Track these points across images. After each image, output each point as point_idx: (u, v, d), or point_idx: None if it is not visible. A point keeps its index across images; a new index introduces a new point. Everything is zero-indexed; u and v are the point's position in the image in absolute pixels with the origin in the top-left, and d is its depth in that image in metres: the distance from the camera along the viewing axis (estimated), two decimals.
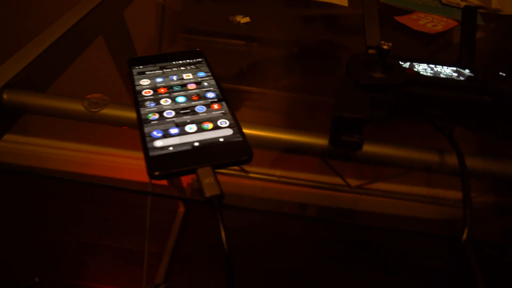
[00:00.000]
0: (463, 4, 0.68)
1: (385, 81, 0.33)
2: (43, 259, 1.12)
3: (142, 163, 0.30)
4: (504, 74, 0.35)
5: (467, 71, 0.37)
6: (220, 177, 0.29)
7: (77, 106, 0.37)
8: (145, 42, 0.65)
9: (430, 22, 0.60)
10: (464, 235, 0.28)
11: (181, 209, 1.27)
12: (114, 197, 1.20)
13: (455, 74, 0.36)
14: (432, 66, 0.37)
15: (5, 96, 0.38)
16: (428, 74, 0.36)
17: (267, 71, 0.62)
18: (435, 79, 0.35)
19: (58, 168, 0.42)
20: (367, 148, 0.33)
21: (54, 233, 1.18)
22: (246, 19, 0.55)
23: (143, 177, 0.30)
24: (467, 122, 0.37)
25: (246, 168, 0.54)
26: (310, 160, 0.44)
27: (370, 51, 0.40)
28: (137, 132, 0.32)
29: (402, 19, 0.60)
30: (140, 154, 0.31)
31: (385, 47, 0.33)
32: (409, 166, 0.35)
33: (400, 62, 0.37)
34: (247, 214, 1.16)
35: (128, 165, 0.41)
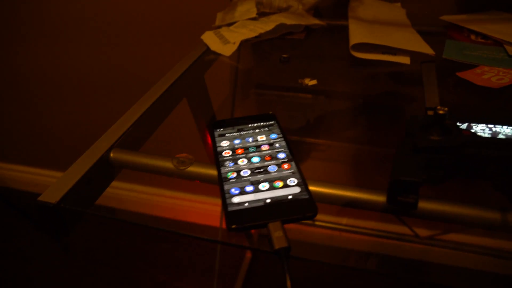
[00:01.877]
0: None
1: (441, 143, 0.36)
2: None
3: (215, 209, 0.35)
4: None
5: None
6: (289, 225, 0.33)
7: (167, 164, 0.44)
8: (220, 98, 0.72)
9: (495, 76, 0.61)
10: None
11: (248, 255, 1.31)
12: (187, 239, 1.27)
13: None
14: (491, 126, 0.39)
15: (111, 155, 0.46)
16: (486, 134, 0.38)
17: (333, 123, 0.67)
18: (492, 139, 0.37)
19: (138, 211, 0.49)
20: (424, 205, 0.36)
21: (130, 272, 1.27)
22: (313, 82, 0.61)
23: (215, 222, 0.35)
24: None
25: None
26: None
27: (429, 112, 0.43)
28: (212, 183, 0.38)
29: (465, 75, 0.61)
30: (213, 201, 0.36)
31: (441, 112, 0.36)
32: (468, 223, 0.36)
33: (458, 123, 0.39)
34: (314, 264, 1.17)
35: (204, 210, 0.47)
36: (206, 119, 0.69)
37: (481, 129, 0.39)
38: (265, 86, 0.80)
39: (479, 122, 0.40)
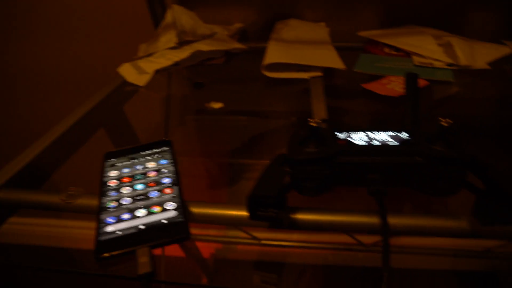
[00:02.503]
0: (436, 64, 0.70)
1: (315, 155, 0.36)
2: None
3: None
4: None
5: (404, 135, 0.39)
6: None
7: (55, 199, 0.42)
8: (153, 128, 0.71)
9: (398, 85, 0.63)
10: None
11: (204, 280, 1.28)
12: None
13: (391, 139, 0.39)
14: (369, 133, 0.40)
15: (0, 194, 0.44)
16: (362, 142, 0.38)
17: (268, 143, 0.67)
18: (366, 146, 0.37)
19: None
20: (300, 215, 0.36)
21: None
22: (219, 105, 0.61)
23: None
24: (405, 182, 0.38)
25: (258, 235, 0.57)
26: None
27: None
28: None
29: (369, 86, 0.63)
30: None
31: (313, 124, 0.37)
32: (340, 230, 0.37)
33: (336, 133, 0.40)
34: None
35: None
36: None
37: (359, 137, 0.39)
38: (200, 111, 0.79)
39: (358, 131, 0.41)
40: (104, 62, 0.84)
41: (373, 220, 0.36)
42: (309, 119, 0.37)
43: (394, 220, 0.36)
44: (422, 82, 0.64)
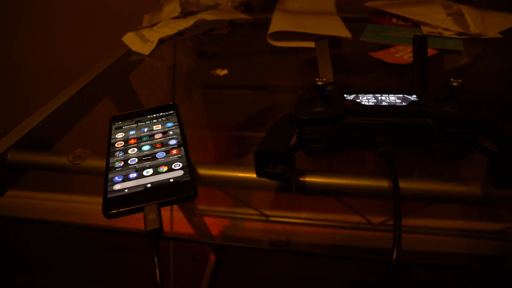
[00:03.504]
0: (445, 33, 0.69)
1: (322, 114, 0.36)
2: None
3: None
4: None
5: (413, 97, 0.39)
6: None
7: (63, 160, 0.43)
8: (159, 98, 0.71)
9: (407, 54, 0.62)
10: (394, 256, 0.29)
11: (212, 257, 1.30)
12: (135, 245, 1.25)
13: (399, 101, 0.38)
14: (377, 95, 0.39)
15: (9, 155, 0.44)
16: (371, 103, 0.38)
17: (275, 116, 0.66)
18: (374, 107, 0.37)
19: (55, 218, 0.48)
20: (302, 178, 0.36)
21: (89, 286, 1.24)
22: (224, 72, 0.61)
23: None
24: (414, 145, 0.38)
25: (266, 212, 0.57)
26: (327, 200, 0.45)
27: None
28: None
29: (377, 54, 0.63)
30: None
31: (319, 83, 0.36)
32: (349, 194, 0.37)
33: (345, 95, 0.40)
34: (280, 260, 1.16)
35: None
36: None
37: (367, 99, 0.39)
38: (207, 85, 0.79)
39: (367, 93, 0.40)
40: (110, 33, 0.83)
41: (383, 183, 0.36)
42: (316, 79, 0.36)
43: (404, 185, 0.35)
44: (430, 51, 0.63)
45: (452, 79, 0.36)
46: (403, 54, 0.62)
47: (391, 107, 0.37)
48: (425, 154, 0.38)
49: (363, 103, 0.38)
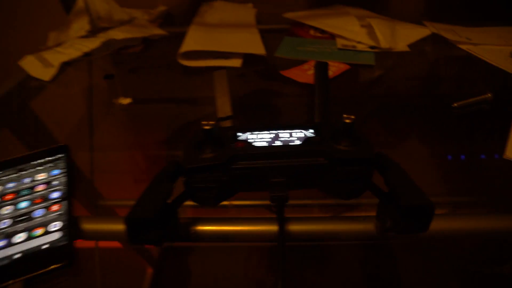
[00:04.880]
0: (359, 46, 0.70)
1: (208, 162, 0.34)
2: None
3: None
4: None
5: (310, 132, 0.38)
6: None
7: None
8: (72, 126, 0.65)
9: None
10: None
11: (149, 270, 1.24)
12: None
13: (294, 138, 0.37)
14: (273, 131, 0.38)
15: None
16: (263, 143, 0.36)
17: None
18: (266, 148, 0.35)
19: None
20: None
21: None
22: (128, 100, 0.57)
23: None
24: (311, 185, 0.37)
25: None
26: None
27: (222, 123, 0.41)
28: None
29: (289, 73, 0.62)
30: None
31: (206, 127, 0.34)
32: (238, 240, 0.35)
33: (238, 133, 0.38)
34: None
35: None
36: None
37: (260, 138, 0.37)
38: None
39: (260, 129, 0.38)
40: (9, 53, 0.76)
41: (273, 228, 0.35)
42: (202, 122, 0.34)
43: (294, 227, 0.35)
44: (343, 67, 0.64)
45: (345, 115, 0.35)
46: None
47: (284, 147, 0.36)
48: (322, 191, 0.37)
49: (254, 144, 0.36)
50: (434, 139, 0.52)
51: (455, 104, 0.52)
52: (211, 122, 0.34)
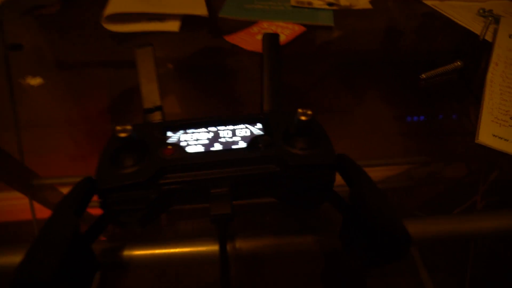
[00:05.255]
0: (315, 3, 0.61)
1: (129, 179, 0.26)
2: None
3: None
4: None
5: (258, 127, 0.30)
6: None
7: None
8: None
9: None
10: None
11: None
12: None
13: (238, 138, 0.29)
14: (212, 129, 0.30)
15: None
16: (199, 146, 0.29)
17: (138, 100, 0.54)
18: (202, 155, 0.28)
19: None
20: None
21: None
22: (38, 81, 0.46)
23: None
24: (260, 195, 0.30)
25: None
26: None
27: (148, 117, 0.33)
28: None
29: (233, 38, 0.52)
30: None
31: (122, 134, 0.26)
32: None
33: (168, 133, 0.30)
34: None
35: None
36: None
37: (195, 140, 0.29)
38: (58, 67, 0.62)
39: (196, 126, 0.31)
40: None
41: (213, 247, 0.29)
42: (116, 127, 0.26)
43: (241, 244, 0.29)
44: (298, 29, 0.55)
45: (300, 110, 0.27)
46: None
47: (225, 153, 0.28)
48: (278, 200, 0.31)
49: (188, 149, 0.28)
50: (395, 102, 0.47)
51: (423, 76, 0.46)
52: (127, 127, 0.26)
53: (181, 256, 0.30)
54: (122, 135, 0.26)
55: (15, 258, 0.26)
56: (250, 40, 0.52)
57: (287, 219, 0.33)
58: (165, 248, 0.30)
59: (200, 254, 0.30)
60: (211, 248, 0.29)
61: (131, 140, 0.26)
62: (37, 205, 0.36)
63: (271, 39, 0.36)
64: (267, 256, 0.30)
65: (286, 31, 0.54)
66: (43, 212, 0.35)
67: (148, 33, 0.55)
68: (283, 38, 0.52)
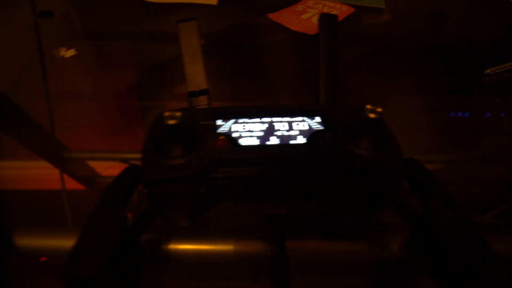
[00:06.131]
0: None
1: (178, 172, 0.23)
2: None
3: None
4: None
5: (316, 122, 0.27)
6: None
7: None
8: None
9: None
10: None
11: None
12: None
13: (296, 132, 0.26)
14: (266, 120, 0.27)
15: None
16: (253, 139, 0.26)
17: (171, 71, 0.51)
18: (258, 149, 0.25)
19: None
20: None
21: None
22: (71, 52, 0.44)
23: None
24: (318, 196, 0.27)
25: None
26: None
27: (193, 101, 0.30)
28: None
29: (278, 17, 0.48)
30: None
31: (170, 122, 0.23)
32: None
33: (218, 121, 0.27)
34: None
35: None
36: None
37: (249, 131, 0.26)
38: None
39: (249, 116, 0.28)
40: None
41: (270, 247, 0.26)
42: (164, 114, 0.23)
43: (295, 245, 0.26)
44: (347, 9, 0.51)
45: (368, 106, 0.24)
46: (312, 14, 0.49)
47: (282, 149, 0.25)
48: (335, 204, 0.28)
49: (241, 141, 0.26)
50: (444, 94, 0.43)
51: (488, 71, 0.42)
52: (176, 114, 0.23)
53: (227, 254, 0.27)
54: (171, 122, 0.23)
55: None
56: (295, 19, 0.48)
57: (338, 222, 0.30)
58: (210, 244, 0.27)
59: (250, 253, 0.27)
60: (260, 247, 0.27)
61: (181, 128, 0.24)
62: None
63: (329, 21, 0.33)
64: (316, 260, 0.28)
65: (334, 11, 0.50)
66: (71, 184, 0.35)
67: (184, 5, 0.51)
68: None
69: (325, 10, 0.50)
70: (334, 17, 0.33)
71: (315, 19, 0.48)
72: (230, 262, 0.27)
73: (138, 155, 0.25)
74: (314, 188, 0.26)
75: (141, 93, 0.44)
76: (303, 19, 0.48)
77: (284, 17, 0.48)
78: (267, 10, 0.50)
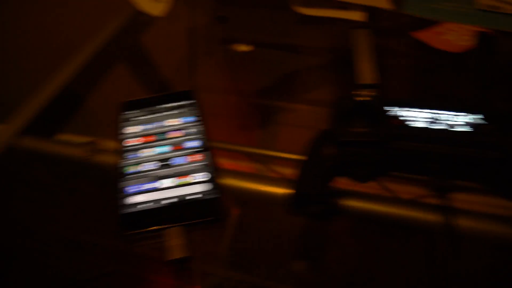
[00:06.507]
0: (505, 7, 0.60)
1: (365, 137, 0.31)
2: None
3: None
4: None
5: (478, 117, 0.33)
6: None
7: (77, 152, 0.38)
8: (175, 64, 0.64)
9: (458, 36, 0.54)
10: None
11: None
12: None
13: (463, 122, 0.32)
14: (433, 111, 0.33)
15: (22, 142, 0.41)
16: (422, 123, 0.32)
17: (301, 82, 0.60)
18: (427, 130, 0.32)
19: None
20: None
21: None
22: (248, 48, 0.54)
23: None
24: (475, 178, 0.33)
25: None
26: None
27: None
28: None
29: (420, 34, 0.55)
30: None
31: (361, 98, 0.31)
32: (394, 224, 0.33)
33: (386, 108, 0.34)
34: None
35: None
36: (153, 88, 0.62)
37: (417, 116, 0.33)
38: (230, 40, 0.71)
39: (415, 105, 0.34)
40: None
41: (435, 218, 0.31)
42: (355, 92, 0.31)
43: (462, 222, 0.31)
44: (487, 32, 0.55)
45: None
46: (451, 36, 0.55)
47: (449, 132, 0.32)
48: (486, 188, 0.33)
49: (412, 123, 0.32)
50: None
51: None
52: (367, 93, 0.31)
53: (398, 217, 0.33)
54: (361, 98, 0.31)
55: None
56: (436, 38, 0.54)
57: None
58: (383, 205, 0.33)
59: (419, 219, 0.32)
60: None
61: (367, 104, 0.31)
62: None
63: (487, 38, 0.39)
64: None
65: (467, 36, 0.54)
66: None
67: (333, 20, 0.60)
68: (467, 44, 0.53)
69: (464, 33, 0.55)
70: (493, 37, 0.38)
71: (454, 39, 0.53)
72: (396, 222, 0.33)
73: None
74: (472, 171, 0.31)
75: (276, 94, 0.53)
76: (443, 39, 0.54)
77: (426, 36, 0.54)
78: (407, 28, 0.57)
